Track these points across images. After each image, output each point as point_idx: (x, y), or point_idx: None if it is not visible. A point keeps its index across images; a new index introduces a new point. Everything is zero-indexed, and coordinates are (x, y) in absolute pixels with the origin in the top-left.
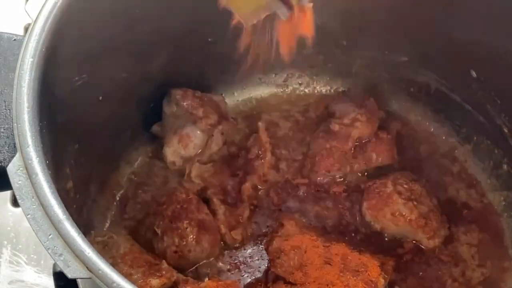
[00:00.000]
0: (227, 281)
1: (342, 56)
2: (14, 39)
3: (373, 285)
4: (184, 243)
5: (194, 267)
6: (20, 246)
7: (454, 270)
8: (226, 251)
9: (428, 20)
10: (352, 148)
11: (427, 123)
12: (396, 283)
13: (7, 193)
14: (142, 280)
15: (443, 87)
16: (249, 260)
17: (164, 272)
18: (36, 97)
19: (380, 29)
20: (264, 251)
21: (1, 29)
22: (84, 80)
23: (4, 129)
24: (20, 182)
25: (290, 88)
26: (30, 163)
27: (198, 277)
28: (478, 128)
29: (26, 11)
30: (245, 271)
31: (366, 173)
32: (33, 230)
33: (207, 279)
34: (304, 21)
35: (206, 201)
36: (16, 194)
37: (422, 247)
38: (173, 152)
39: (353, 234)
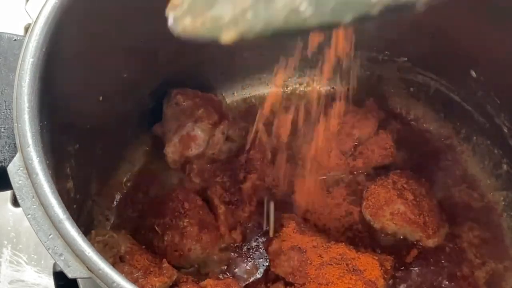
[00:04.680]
0: (227, 280)
1: None
2: (15, 39)
3: (373, 285)
4: (185, 242)
5: (194, 266)
6: (20, 246)
7: (455, 269)
8: (226, 251)
9: (428, 20)
10: (352, 148)
11: (427, 123)
12: (396, 282)
13: (8, 193)
14: (142, 279)
15: (443, 87)
16: (249, 260)
17: (164, 271)
18: (36, 97)
19: (380, 29)
20: (264, 251)
21: (1, 29)
22: (84, 80)
23: (4, 129)
24: (20, 182)
25: (290, 88)
26: (30, 163)
27: (198, 276)
28: (478, 128)
29: (26, 11)
30: (245, 271)
31: (366, 173)
32: (34, 230)
33: (207, 278)
34: None
35: (206, 201)
36: (16, 194)
37: (422, 246)
38: (173, 151)
39: (353, 234)
